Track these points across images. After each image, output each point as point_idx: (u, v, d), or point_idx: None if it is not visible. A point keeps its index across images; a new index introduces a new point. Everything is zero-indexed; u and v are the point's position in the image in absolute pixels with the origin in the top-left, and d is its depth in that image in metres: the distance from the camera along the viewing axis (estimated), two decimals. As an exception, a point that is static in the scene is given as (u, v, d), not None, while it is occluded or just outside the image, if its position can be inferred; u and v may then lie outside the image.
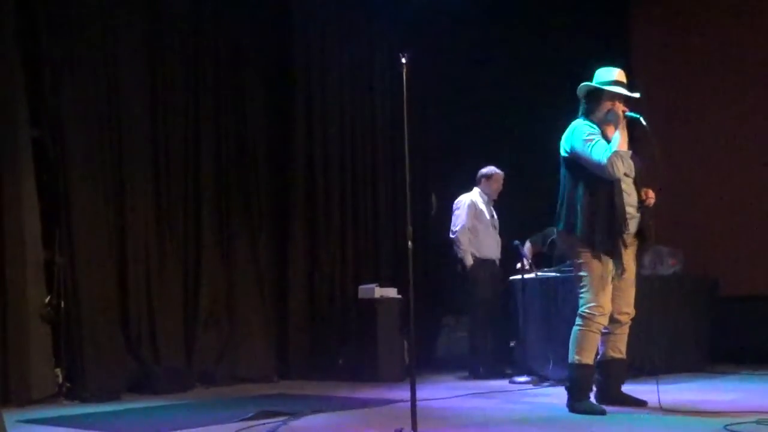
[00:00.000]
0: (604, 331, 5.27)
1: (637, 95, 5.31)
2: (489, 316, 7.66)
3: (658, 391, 5.08)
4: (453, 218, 7.81)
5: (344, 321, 8.26)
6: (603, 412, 5.02)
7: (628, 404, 5.28)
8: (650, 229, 5.35)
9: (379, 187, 9.03)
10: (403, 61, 4.48)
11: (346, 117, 8.85)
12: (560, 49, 8.84)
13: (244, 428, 4.75)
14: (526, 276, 7.37)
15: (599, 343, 5.29)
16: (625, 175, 5.21)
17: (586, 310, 5.17)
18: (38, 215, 6.60)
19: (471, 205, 7.74)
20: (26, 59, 6.66)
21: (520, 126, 8.92)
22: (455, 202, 7.87)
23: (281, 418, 5.05)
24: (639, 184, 5.30)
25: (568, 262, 6.03)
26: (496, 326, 7.71)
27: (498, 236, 7.83)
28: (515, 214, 8.13)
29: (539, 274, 7.36)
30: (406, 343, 7.62)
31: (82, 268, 6.75)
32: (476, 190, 7.87)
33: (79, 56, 6.91)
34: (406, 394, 4.47)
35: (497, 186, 7.87)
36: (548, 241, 7.83)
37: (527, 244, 7.95)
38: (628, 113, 5.22)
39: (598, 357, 5.35)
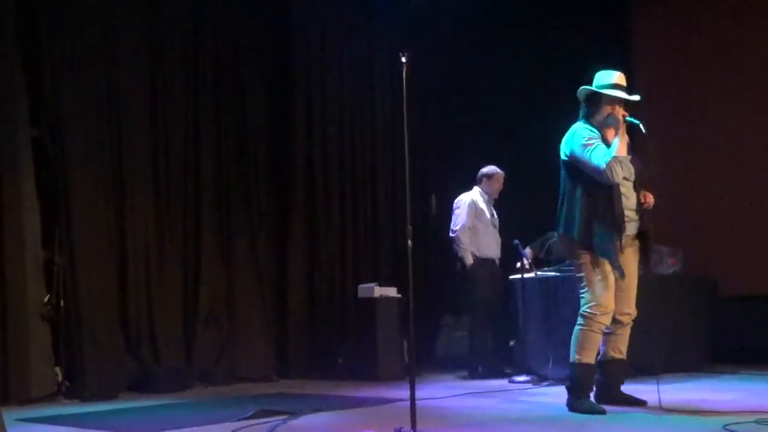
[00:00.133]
0: (605, 331, 5.28)
1: (636, 98, 5.31)
2: (489, 315, 7.66)
3: (658, 391, 5.08)
4: (453, 217, 7.81)
5: (344, 320, 8.27)
6: (603, 412, 5.02)
7: (627, 404, 5.28)
8: (650, 231, 5.35)
9: (379, 187, 9.04)
10: (403, 60, 4.48)
11: (346, 117, 8.86)
12: (560, 49, 8.85)
13: (243, 427, 4.74)
14: (526, 275, 7.37)
15: (600, 343, 5.30)
16: (625, 179, 5.21)
17: (588, 310, 5.17)
18: (38, 214, 6.60)
19: (471, 204, 7.74)
20: (26, 59, 6.66)
21: (520, 126, 8.93)
22: (455, 201, 7.87)
23: (281, 417, 5.05)
24: (638, 187, 5.30)
25: (567, 261, 6.03)
26: (496, 326, 7.71)
27: (498, 235, 7.83)
28: (515, 214, 8.13)
29: (539, 273, 7.36)
30: (405, 342, 7.63)
31: (82, 267, 6.76)
32: (476, 189, 7.87)
33: (79, 56, 6.92)
34: (405, 393, 4.47)
35: (498, 186, 7.87)
36: (546, 246, 7.84)
37: (527, 250, 7.94)
38: (628, 119, 5.21)
39: (599, 357, 5.35)
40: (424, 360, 8.25)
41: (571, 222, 5.21)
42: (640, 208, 5.28)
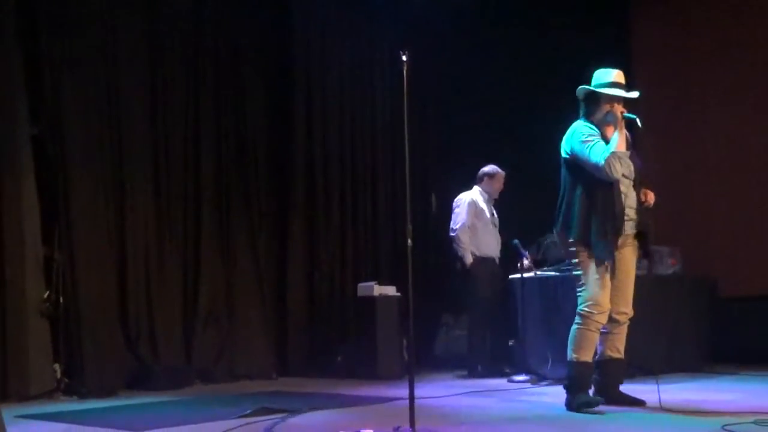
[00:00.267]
0: (602, 330, 5.28)
1: (635, 95, 5.32)
2: (488, 314, 7.66)
3: (658, 391, 5.08)
4: (453, 216, 7.81)
5: (343, 319, 8.27)
6: (599, 403, 5.06)
7: (626, 404, 5.27)
8: (650, 230, 5.35)
9: (379, 186, 9.04)
10: (404, 59, 4.48)
11: (346, 116, 8.86)
12: (560, 49, 8.85)
13: (242, 425, 4.74)
14: (526, 275, 7.37)
15: (598, 342, 5.30)
16: (624, 176, 5.22)
17: (585, 309, 5.18)
18: (38, 212, 6.61)
19: (471, 203, 7.74)
20: (26, 58, 6.67)
21: (520, 126, 8.92)
22: (455, 200, 7.88)
23: (280, 415, 5.05)
24: (638, 185, 5.31)
25: (566, 261, 6.03)
26: (495, 325, 7.71)
27: (498, 235, 7.83)
28: (515, 214, 8.12)
29: (539, 273, 7.36)
30: (405, 341, 7.63)
31: (82, 264, 6.77)
32: (476, 188, 7.87)
33: (79, 55, 6.94)
34: (404, 392, 4.47)
35: (499, 185, 7.87)
36: (542, 249, 7.85)
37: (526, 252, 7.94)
38: (626, 114, 5.23)
39: (597, 357, 5.35)
40: (424, 359, 8.25)
41: (570, 220, 5.22)
42: (640, 206, 5.29)
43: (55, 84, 6.79)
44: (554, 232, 5.47)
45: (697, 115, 8.84)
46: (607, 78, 5.31)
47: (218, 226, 7.83)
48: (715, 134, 8.69)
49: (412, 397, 4.25)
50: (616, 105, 5.26)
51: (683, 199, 8.52)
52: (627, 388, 5.43)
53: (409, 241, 4.47)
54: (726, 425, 4.32)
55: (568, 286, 5.69)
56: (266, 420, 4.89)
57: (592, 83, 5.35)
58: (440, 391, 6.36)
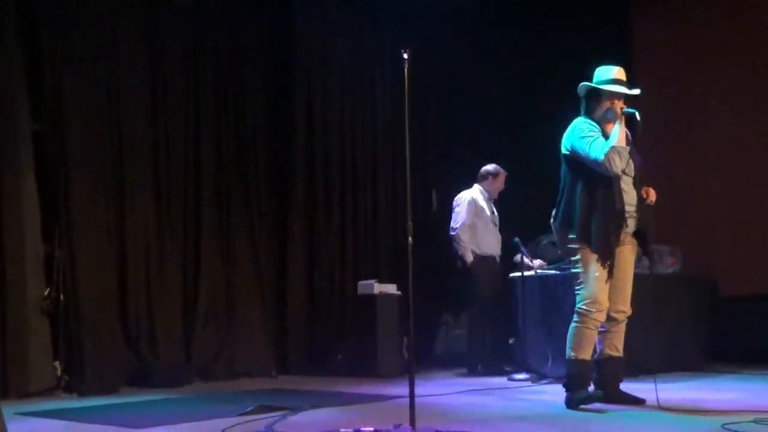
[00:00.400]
0: (601, 329, 5.28)
1: (636, 92, 5.32)
2: (488, 313, 7.66)
3: (656, 390, 5.09)
4: (453, 215, 7.81)
5: (343, 317, 8.27)
6: (599, 398, 5.06)
7: (626, 402, 5.28)
8: (650, 229, 5.35)
9: (379, 185, 9.04)
10: (405, 56, 4.48)
11: (346, 116, 8.86)
12: (561, 49, 8.84)
13: (242, 422, 4.74)
14: (526, 273, 7.37)
15: (596, 341, 5.30)
16: (624, 173, 5.21)
17: (583, 307, 5.18)
18: (38, 210, 6.61)
19: (471, 201, 7.74)
20: (27, 57, 6.67)
21: (520, 124, 8.92)
22: (455, 198, 7.88)
23: (280, 413, 5.05)
24: (638, 183, 5.31)
25: (566, 259, 6.03)
26: (496, 323, 7.72)
27: (498, 233, 7.84)
28: (515, 213, 8.12)
29: (539, 271, 7.36)
30: (405, 339, 7.64)
31: (82, 262, 6.77)
32: (476, 186, 7.87)
33: (80, 55, 6.94)
34: (404, 390, 4.47)
35: (500, 185, 7.88)
36: (540, 249, 7.86)
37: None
38: (625, 109, 5.23)
39: (596, 356, 5.35)
40: (424, 357, 8.25)
41: (570, 218, 5.22)
42: (642, 204, 5.29)
43: (56, 83, 6.79)
44: (553, 229, 5.47)
45: (697, 115, 8.84)
46: (608, 75, 5.32)
47: (218, 224, 7.83)
48: (715, 134, 8.69)
49: (412, 395, 4.25)
50: (616, 102, 5.27)
51: (683, 199, 8.52)
52: (626, 386, 5.43)
53: (410, 239, 4.47)
54: (726, 424, 4.33)
55: (568, 285, 5.69)
56: (266, 418, 4.89)
57: (594, 80, 5.35)
58: (440, 390, 6.36)
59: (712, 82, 8.80)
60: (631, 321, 5.46)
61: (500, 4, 9.13)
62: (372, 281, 7.91)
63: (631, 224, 5.27)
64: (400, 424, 4.22)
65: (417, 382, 4.41)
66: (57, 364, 6.59)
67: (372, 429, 4.29)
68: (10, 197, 6.45)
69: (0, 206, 6.42)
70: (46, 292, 6.60)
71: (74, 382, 6.57)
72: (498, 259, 7.83)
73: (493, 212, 7.85)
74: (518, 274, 7.45)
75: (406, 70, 4.46)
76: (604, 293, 5.18)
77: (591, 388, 5.32)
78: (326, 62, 8.69)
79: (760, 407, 4.95)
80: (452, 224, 7.78)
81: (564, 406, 5.21)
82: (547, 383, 6.73)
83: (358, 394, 6.29)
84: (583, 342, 5.19)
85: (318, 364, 7.96)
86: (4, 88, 6.51)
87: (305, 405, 5.37)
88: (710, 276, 8.17)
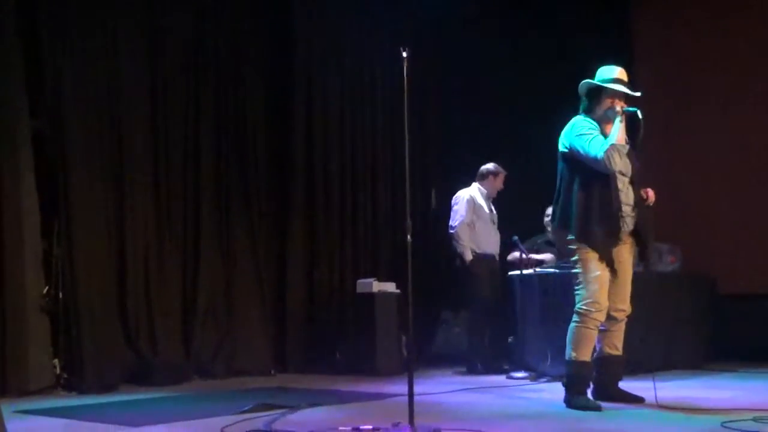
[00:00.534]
0: (600, 328, 5.28)
1: (638, 94, 5.32)
2: (487, 311, 7.66)
3: (654, 388, 5.09)
4: (452, 213, 7.81)
5: (342, 315, 8.26)
6: (598, 408, 5.04)
7: (625, 401, 5.28)
8: (648, 230, 5.35)
9: (379, 183, 9.03)
10: (404, 55, 4.48)
11: (346, 114, 8.85)
12: (561, 49, 8.84)
13: (241, 421, 4.75)
14: (525, 272, 7.37)
15: (596, 340, 5.30)
16: (621, 173, 5.21)
17: (583, 307, 5.18)
18: (37, 208, 6.60)
19: (470, 200, 7.74)
20: (27, 55, 6.66)
21: (520, 124, 8.90)
22: (454, 197, 7.88)
23: (279, 411, 5.05)
24: (636, 183, 5.30)
25: (565, 258, 6.03)
26: (495, 322, 7.71)
27: (497, 232, 7.83)
28: (515, 211, 8.12)
29: (538, 270, 7.36)
30: (404, 337, 7.63)
31: (81, 260, 6.77)
32: (475, 185, 7.87)
33: (80, 53, 6.93)
34: (403, 389, 4.47)
35: (499, 184, 7.88)
36: (536, 248, 7.87)
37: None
38: (626, 108, 5.23)
39: (595, 354, 5.35)
40: (423, 355, 8.26)
41: (568, 216, 5.21)
42: (641, 205, 5.28)
43: (56, 82, 6.78)
44: (551, 229, 5.47)
45: (697, 115, 8.83)
46: (610, 74, 5.31)
47: (218, 223, 7.82)
48: (715, 133, 8.68)
49: (411, 394, 4.25)
50: (617, 101, 5.26)
51: (683, 197, 8.52)
52: (625, 385, 5.43)
53: (409, 237, 4.47)
54: (725, 422, 4.33)
55: (567, 283, 5.69)
56: (265, 416, 4.89)
57: (596, 79, 5.35)
58: (439, 388, 6.37)
59: (712, 81, 8.78)
60: (631, 319, 5.47)
61: (501, 3, 9.12)
62: (371, 280, 7.90)
63: (628, 223, 5.27)
64: (398, 423, 4.22)
65: (416, 380, 4.41)
66: (56, 362, 6.60)
67: (371, 427, 4.29)
68: (9, 195, 6.45)
69: (-1, 204, 6.43)
70: (45, 291, 6.60)
71: (73, 381, 6.57)
72: (497, 257, 7.83)
73: (491, 211, 7.85)
74: (517, 272, 7.45)
75: (405, 69, 4.46)
76: (603, 293, 5.17)
77: (590, 387, 5.32)
78: (326, 62, 8.68)
79: (759, 405, 4.95)
80: (451, 222, 7.78)
81: (563, 404, 5.21)
82: (546, 381, 6.73)
83: (357, 392, 6.29)
84: (583, 342, 5.19)
85: (317, 363, 7.96)
86: (3, 87, 6.50)
87: (304, 403, 5.38)
88: (710, 274, 8.17)
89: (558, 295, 6.90)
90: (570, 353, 5.22)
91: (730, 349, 7.87)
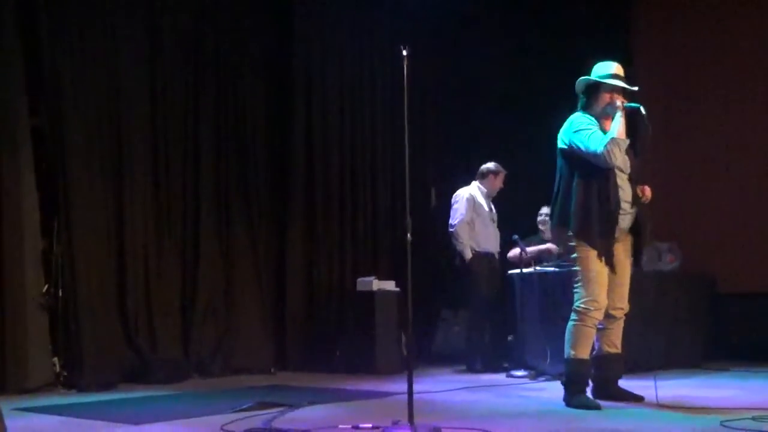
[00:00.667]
0: (599, 326, 5.28)
1: (635, 88, 5.32)
2: (487, 310, 7.66)
3: (655, 387, 5.09)
4: (451, 212, 7.81)
5: (342, 313, 8.26)
6: (598, 407, 5.03)
7: (624, 399, 5.29)
8: (646, 227, 5.35)
9: (378, 181, 9.03)
10: (404, 53, 4.48)
11: (346, 112, 8.84)
12: (560, 47, 8.83)
13: (241, 419, 4.75)
14: (525, 270, 7.37)
15: (594, 338, 5.30)
16: (620, 170, 5.21)
17: (581, 305, 5.18)
18: (37, 205, 6.60)
19: (470, 198, 7.74)
20: (27, 52, 6.66)
21: (519, 122, 8.91)
22: (453, 195, 7.88)
23: (278, 409, 5.05)
24: (634, 180, 5.30)
25: (565, 256, 6.03)
26: (494, 320, 7.72)
27: (497, 230, 7.84)
28: (515, 210, 8.13)
29: (537, 268, 7.36)
30: (403, 335, 7.63)
31: (81, 258, 6.77)
32: (475, 183, 7.87)
33: (80, 51, 6.93)
34: (403, 387, 4.48)
35: (499, 184, 7.88)
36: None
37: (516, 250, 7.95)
38: (627, 104, 5.22)
39: (594, 352, 5.35)
40: (422, 354, 8.27)
41: (567, 213, 5.20)
42: (638, 201, 5.28)
43: (56, 81, 6.78)
44: (549, 226, 5.46)
45: (697, 114, 8.84)
46: (607, 70, 5.31)
47: (217, 221, 7.82)
48: (714, 132, 8.69)
49: (410, 392, 4.25)
50: (615, 96, 5.25)
51: (682, 196, 8.53)
52: (624, 383, 5.43)
53: (409, 235, 4.47)
54: (724, 422, 4.34)
55: (567, 282, 5.70)
56: (264, 414, 4.89)
57: (592, 75, 5.34)
58: (439, 386, 6.37)
59: (712, 80, 8.79)
60: (630, 318, 5.47)
61: (500, 3, 9.12)
62: (371, 278, 7.90)
63: (626, 221, 5.26)
64: (398, 421, 4.22)
65: (415, 378, 4.42)
66: (55, 360, 6.60)
67: (370, 425, 4.30)
68: (9, 193, 6.45)
69: (-1, 202, 6.43)
70: (44, 288, 6.60)
71: (73, 378, 6.57)
72: (497, 256, 7.83)
73: (491, 209, 7.85)
74: (517, 271, 7.45)
75: (405, 67, 4.46)
76: (602, 291, 5.17)
77: (590, 386, 5.32)
78: (326, 60, 8.67)
79: (759, 404, 4.96)
80: (451, 221, 7.78)
81: (562, 403, 5.22)
82: (545, 380, 6.73)
83: (356, 390, 6.29)
84: (582, 340, 5.19)
85: (317, 361, 7.96)
86: (3, 87, 6.50)
87: (304, 401, 5.38)
88: (709, 273, 8.17)
89: (558, 293, 6.91)
90: (568, 352, 5.21)
91: (729, 348, 7.89)
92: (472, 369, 7.59)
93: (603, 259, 5.15)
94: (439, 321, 8.80)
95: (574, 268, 5.24)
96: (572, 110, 5.41)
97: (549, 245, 7.67)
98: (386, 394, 5.91)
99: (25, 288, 6.44)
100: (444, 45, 9.37)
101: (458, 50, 9.40)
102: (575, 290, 5.23)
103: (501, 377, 7.08)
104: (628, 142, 5.17)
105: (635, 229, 5.34)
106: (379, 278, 7.96)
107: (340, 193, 8.72)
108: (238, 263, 7.90)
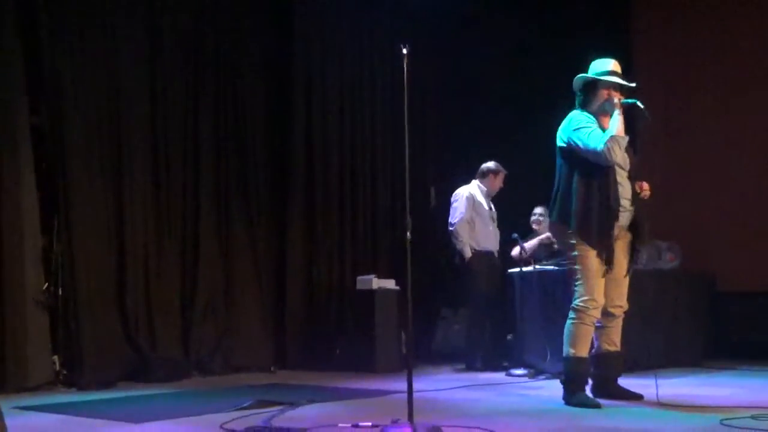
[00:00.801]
0: (597, 325, 5.28)
1: (633, 84, 5.32)
2: (487, 308, 7.66)
3: (656, 385, 5.09)
4: (451, 210, 7.81)
5: (342, 312, 8.26)
6: (598, 406, 5.03)
7: (624, 398, 5.29)
8: (644, 225, 5.35)
9: (378, 180, 9.03)
10: (404, 51, 4.48)
11: (346, 112, 8.84)
12: (561, 46, 8.81)
13: (240, 417, 4.75)
14: (524, 269, 7.37)
15: (594, 336, 5.30)
16: (619, 167, 5.21)
17: (580, 303, 5.18)
18: (37, 204, 6.61)
19: (469, 197, 7.75)
20: (26, 51, 6.66)
21: (519, 121, 8.91)
22: (453, 194, 7.88)
23: (278, 408, 5.05)
24: (633, 177, 5.30)
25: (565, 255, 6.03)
26: (494, 319, 7.72)
27: (497, 229, 7.84)
28: (515, 209, 8.13)
29: (537, 267, 7.36)
30: (403, 334, 7.64)
31: (81, 256, 6.77)
32: (475, 182, 7.87)
33: (80, 50, 6.93)
34: (402, 385, 4.47)
35: (499, 183, 7.89)
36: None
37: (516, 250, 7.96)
38: (624, 100, 5.22)
39: (593, 351, 5.35)
40: (422, 352, 8.26)
41: (567, 211, 5.20)
42: (636, 197, 5.28)
43: (55, 78, 6.78)
44: (548, 223, 5.46)
45: (697, 113, 8.83)
46: (604, 67, 5.32)
47: (217, 220, 7.82)
48: (714, 131, 8.69)
49: (410, 391, 4.25)
50: (613, 93, 5.26)
51: (682, 195, 8.52)
52: (624, 382, 5.44)
53: (408, 234, 4.47)
54: (724, 420, 4.34)
55: (566, 280, 5.70)
56: (264, 413, 4.89)
57: (589, 72, 5.34)
58: (438, 385, 6.37)
59: (712, 80, 8.79)
60: (630, 316, 5.47)
61: (500, 3, 9.12)
62: (371, 276, 7.90)
63: (626, 218, 5.27)
64: (398, 419, 4.22)
65: (415, 377, 4.42)
66: (55, 358, 6.60)
67: (370, 424, 4.30)
68: (9, 192, 6.45)
69: (-1, 200, 6.43)
70: (44, 287, 6.60)
71: (73, 377, 6.57)
72: (496, 254, 7.83)
73: (491, 208, 7.86)
74: (516, 269, 7.45)
75: (405, 66, 4.46)
76: (600, 289, 5.17)
77: (589, 384, 5.33)
78: (326, 61, 8.67)
79: (758, 403, 4.96)
80: (450, 220, 7.78)
81: (562, 401, 5.22)
82: (544, 379, 6.74)
83: (356, 389, 6.30)
84: (581, 339, 5.19)
85: (316, 359, 7.96)
86: (3, 86, 6.50)
87: (303, 400, 5.38)
88: (709, 272, 8.18)
89: (557, 292, 6.91)
90: (567, 350, 5.21)
91: (728, 347, 7.89)
92: (471, 367, 7.59)
93: (602, 257, 5.16)
94: (438, 320, 8.80)
95: (574, 267, 5.24)
96: (571, 108, 5.41)
97: (547, 234, 7.65)
98: (386, 393, 5.91)
99: (25, 287, 6.44)
100: (444, 45, 9.38)
101: (458, 50, 9.40)
102: (574, 288, 5.24)
103: (500, 376, 7.08)
104: (627, 139, 5.17)
105: (633, 227, 5.34)
106: (379, 277, 7.96)
107: (340, 192, 8.72)
108: (237, 262, 7.90)
